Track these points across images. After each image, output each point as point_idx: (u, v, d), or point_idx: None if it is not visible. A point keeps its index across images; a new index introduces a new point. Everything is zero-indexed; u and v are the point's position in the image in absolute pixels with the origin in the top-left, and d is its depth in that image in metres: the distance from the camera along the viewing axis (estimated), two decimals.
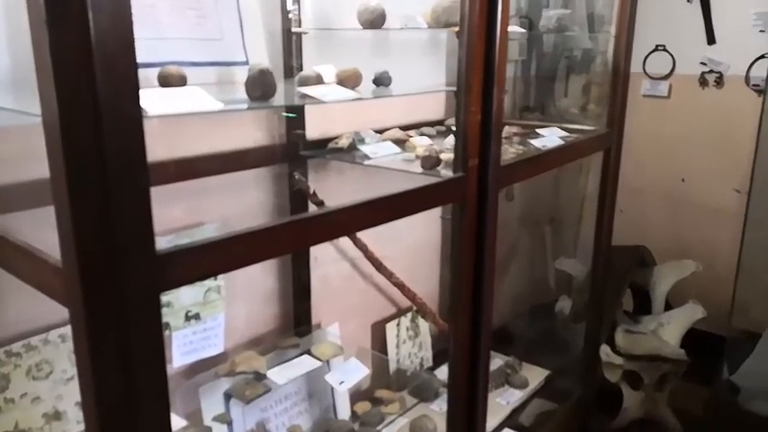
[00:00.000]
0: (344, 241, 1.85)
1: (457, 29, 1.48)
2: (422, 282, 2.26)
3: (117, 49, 0.66)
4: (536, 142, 1.69)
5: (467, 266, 1.33)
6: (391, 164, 1.56)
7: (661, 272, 2.59)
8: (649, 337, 2.38)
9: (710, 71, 2.62)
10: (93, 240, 0.69)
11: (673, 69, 2.70)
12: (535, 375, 2.21)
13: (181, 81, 1.05)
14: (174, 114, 0.84)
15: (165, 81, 1.05)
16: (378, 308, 2.17)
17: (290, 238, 0.93)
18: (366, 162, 1.54)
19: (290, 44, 1.56)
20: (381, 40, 1.93)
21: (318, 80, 1.16)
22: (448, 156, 1.45)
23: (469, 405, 1.44)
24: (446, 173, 1.44)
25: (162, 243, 1.43)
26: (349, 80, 1.22)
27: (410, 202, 1.16)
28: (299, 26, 1.58)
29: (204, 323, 1.54)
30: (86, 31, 0.63)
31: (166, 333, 1.46)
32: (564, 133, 1.89)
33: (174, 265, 0.78)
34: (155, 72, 1.09)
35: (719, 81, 2.60)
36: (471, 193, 1.28)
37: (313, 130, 1.70)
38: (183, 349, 1.51)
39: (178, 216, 1.47)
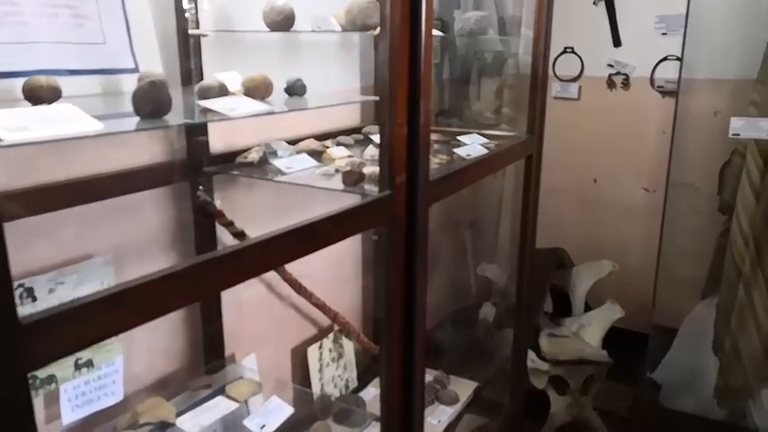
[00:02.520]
0: None
1: (375, 32, 1.37)
2: (342, 299, 2.13)
3: None
4: (459, 151, 1.61)
5: (398, 289, 1.21)
6: (308, 179, 1.42)
7: (579, 273, 2.60)
8: (573, 341, 2.38)
9: (617, 73, 2.66)
10: None
11: (581, 71, 2.72)
12: (464, 388, 2.13)
13: (52, 94, 0.87)
14: (36, 142, 0.66)
15: (33, 94, 0.86)
16: (296, 331, 2.02)
17: (196, 285, 0.78)
18: (280, 178, 1.39)
19: (188, 48, 1.38)
20: (289, 43, 1.78)
21: (222, 90, 1.00)
22: (371, 169, 1.33)
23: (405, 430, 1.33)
24: (370, 188, 1.32)
25: (41, 283, 1.22)
26: (258, 90, 1.07)
27: (337, 227, 1.03)
28: (197, 27, 1.40)
29: (99, 370, 1.34)
30: None
31: (52, 386, 1.26)
32: (484, 140, 1.82)
33: (44, 337, 0.61)
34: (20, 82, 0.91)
35: (626, 83, 2.65)
36: (399, 211, 1.17)
37: (217, 142, 1.53)
38: (74, 402, 1.30)
39: (59, 249, 1.25)
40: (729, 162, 2.40)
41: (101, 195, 1.29)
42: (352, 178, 1.28)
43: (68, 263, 1.25)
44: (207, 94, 0.98)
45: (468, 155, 1.60)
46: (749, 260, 1.96)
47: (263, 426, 1.33)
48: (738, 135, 1.83)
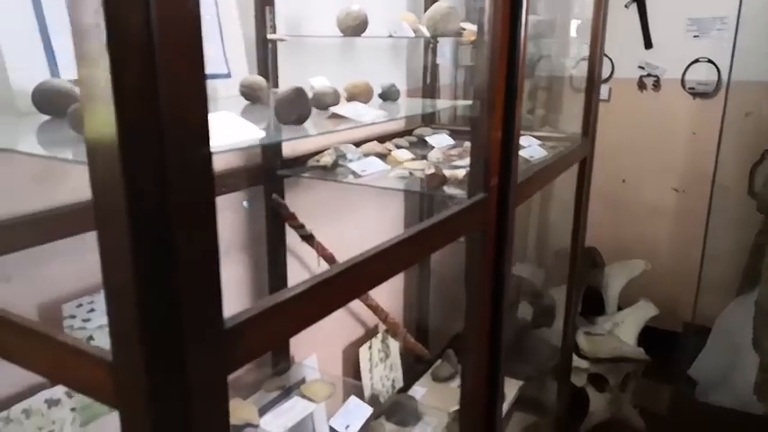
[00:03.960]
0: (311, 262, 1.69)
1: (469, 37, 1.39)
2: (386, 298, 2.15)
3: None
4: (523, 153, 1.63)
5: (486, 290, 1.23)
6: (382, 181, 1.44)
7: (612, 272, 2.64)
8: (609, 339, 2.42)
9: (648, 75, 2.70)
10: (153, 322, 0.53)
11: (612, 73, 2.76)
12: (509, 387, 2.16)
13: None
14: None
15: None
16: (346, 331, 2.04)
17: (343, 292, 0.80)
18: (357, 180, 1.41)
19: (266, 52, 1.40)
20: (342, 47, 1.79)
21: (336, 97, 1.01)
22: (450, 172, 1.36)
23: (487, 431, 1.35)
24: (452, 191, 1.35)
25: (100, 301, 1.23)
26: (361, 95, 1.09)
27: (442, 232, 1.05)
28: (275, 32, 1.41)
29: None
30: None
31: None
32: (538, 141, 1.85)
33: (247, 337, 0.62)
34: None
35: (657, 84, 2.69)
36: (491, 213, 1.19)
37: (286, 146, 1.54)
38: None
39: None
40: (761, 161, 2.45)
41: None
42: (436, 181, 1.30)
43: None
44: (323, 99, 0.99)
45: (531, 156, 1.63)
46: None
47: (348, 426, 1.35)
48: None
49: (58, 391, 1.08)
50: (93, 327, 1.12)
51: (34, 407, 1.05)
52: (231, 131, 0.70)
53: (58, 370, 0.61)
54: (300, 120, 0.83)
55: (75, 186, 1.08)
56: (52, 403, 1.07)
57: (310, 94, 1.10)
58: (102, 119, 0.48)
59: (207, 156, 0.55)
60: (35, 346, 0.62)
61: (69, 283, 1.13)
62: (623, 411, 2.35)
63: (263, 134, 0.73)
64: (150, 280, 0.52)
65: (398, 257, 0.93)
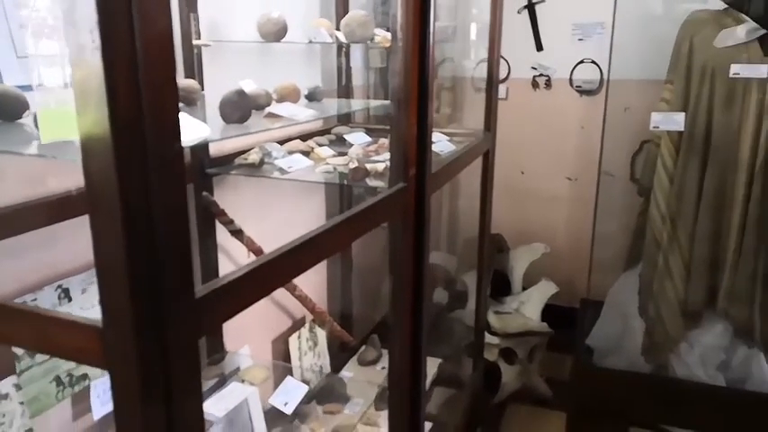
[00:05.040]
0: (241, 256, 1.77)
1: (376, 42, 1.52)
2: (311, 290, 2.26)
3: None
4: (433, 148, 1.79)
5: (408, 269, 1.38)
6: (309, 177, 1.56)
7: (516, 256, 2.87)
8: (517, 316, 2.64)
9: (540, 75, 2.96)
10: (141, 291, 0.63)
11: (508, 74, 3.00)
12: (430, 365, 2.32)
13: None
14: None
15: None
16: (275, 323, 2.13)
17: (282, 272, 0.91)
18: (285, 176, 1.51)
19: (192, 58, 1.47)
20: (261, 52, 1.89)
21: (269, 98, 1.12)
22: (371, 166, 1.49)
23: (412, 405, 1.50)
24: (374, 183, 1.48)
25: (75, 283, 1.28)
26: (290, 96, 1.20)
27: (366, 219, 1.17)
28: (200, 38, 1.49)
29: None
30: None
31: (86, 383, 1.32)
32: (446, 137, 2.02)
33: (212, 306, 0.72)
34: None
35: (548, 83, 2.96)
36: (410, 201, 1.34)
37: (213, 145, 1.62)
38: (102, 398, 1.36)
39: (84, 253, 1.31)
40: (640, 151, 2.76)
41: None
42: (360, 174, 1.43)
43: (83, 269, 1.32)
44: (257, 100, 1.09)
45: (441, 150, 1.79)
46: (666, 234, 2.30)
47: (286, 403, 1.45)
48: (658, 127, 2.15)
49: (7, 384, 1.12)
50: None
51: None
52: (187, 129, 0.79)
53: (50, 342, 0.69)
54: (243, 119, 0.93)
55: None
56: (1, 397, 1.11)
57: None
58: (96, 119, 0.57)
59: (179, 149, 0.65)
60: (25, 323, 0.69)
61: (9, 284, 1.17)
62: (532, 380, 2.58)
63: (209, 131, 0.83)
64: (137, 257, 0.62)
65: (337, 237, 1.05)
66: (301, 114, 1.06)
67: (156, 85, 0.61)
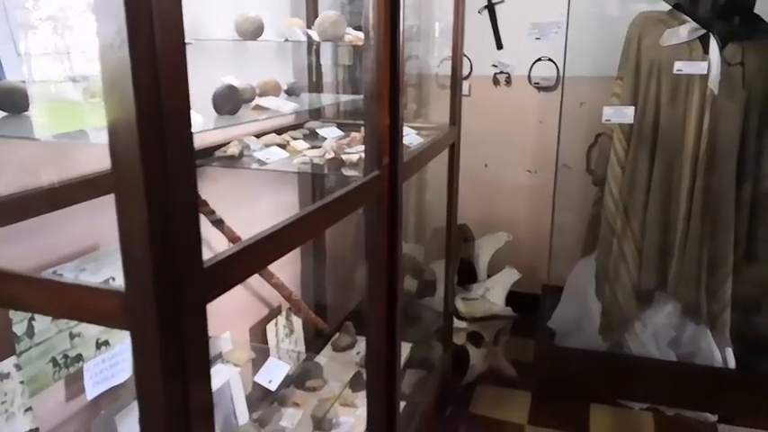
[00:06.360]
0: (220, 246, 1.85)
1: (347, 41, 1.62)
2: (286, 278, 2.34)
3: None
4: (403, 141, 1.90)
5: (382, 253, 1.48)
6: (287, 168, 1.64)
7: (481, 245, 3.01)
8: (483, 301, 2.77)
9: (501, 72, 3.10)
10: (160, 260, 0.71)
11: (471, 71, 3.13)
12: (402, 349, 2.43)
13: None
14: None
15: None
16: (252, 311, 2.21)
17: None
18: (264, 167, 1.60)
19: None
20: (238, 49, 1.96)
21: (253, 93, 1.20)
22: (346, 157, 1.59)
23: (389, 384, 1.60)
24: (349, 172, 1.58)
25: (68, 269, 1.35)
26: (271, 91, 1.28)
27: (343, 205, 1.27)
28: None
29: (113, 349, 1.47)
30: None
31: (80, 364, 1.38)
32: (414, 131, 2.13)
33: (216, 275, 0.82)
34: None
35: (509, 80, 3.10)
36: (384, 188, 1.44)
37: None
38: (95, 379, 1.43)
39: (75, 240, 1.38)
40: (595, 143, 2.92)
41: (103, 191, 1.42)
42: (335, 164, 1.52)
43: (82, 253, 1.38)
44: (243, 95, 1.18)
45: (410, 143, 1.90)
46: (620, 220, 2.46)
47: (270, 380, 1.54)
48: (609, 120, 2.31)
49: (8, 364, 1.18)
50: None
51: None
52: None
53: (76, 308, 0.77)
54: (234, 110, 1.02)
55: None
56: (3, 376, 1.17)
57: None
58: (123, 109, 0.66)
59: (190, 135, 0.74)
60: (54, 293, 0.77)
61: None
62: (498, 362, 2.72)
63: (202, 120, 0.92)
64: (156, 230, 0.70)
65: (321, 219, 1.15)
66: (285, 107, 1.15)
67: (172, 80, 0.70)
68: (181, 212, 0.74)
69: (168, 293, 0.73)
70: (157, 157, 0.69)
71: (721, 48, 2.22)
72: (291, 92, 1.43)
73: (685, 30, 2.25)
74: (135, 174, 0.67)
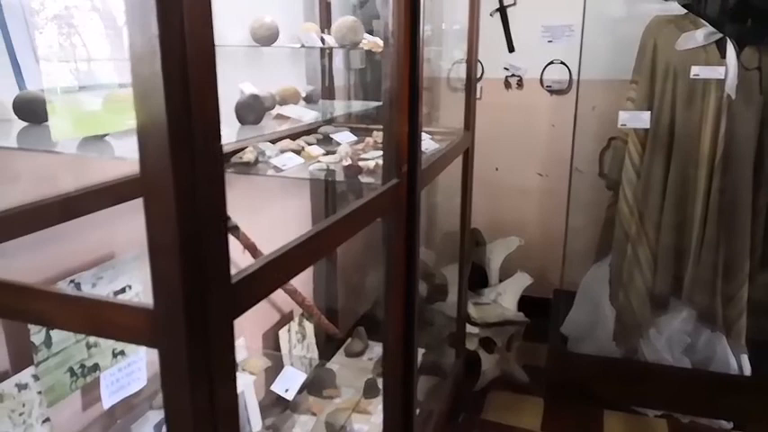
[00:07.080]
0: (235, 252, 1.84)
1: (364, 47, 1.61)
2: (299, 285, 2.33)
3: None
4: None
5: (400, 259, 1.47)
6: (305, 174, 1.63)
7: (492, 249, 2.99)
8: (495, 306, 2.75)
9: (512, 75, 3.08)
10: (190, 277, 0.70)
11: (482, 74, 3.11)
12: None
13: None
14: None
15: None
16: (266, 317, 2.20)
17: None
18: (280, 174, 1.59)
19: None
20: (252, 54, 1.95)
21: (274, 101, 1.19)
22: (363, 164, 1.57)
23: (405, 391, 1.59)
24: (366, 180, 1.56)
25: (85, 278, 1.34)
26: (291, 98, 1.27)
27: (366, 214, 1.26)
28: None
29: (128, 358, 1.46)
30: None
31: (97, 374, 1.37)
32: (429, 135, 2.11)
33: (243, 291, 0.80)
34: None
35: (520, 84, 3.08)
36: (403, 196, 1.42)
37: None
38: (111, 388, 1.42)
39: (94, 248, 1.37)
40: (608, 147, 2.90)
41: (117, 200, 1.41)
42: (353, 171, 1.51)
43: (98, 261, 1.37)
44: (265, 103, 1.16)
45: (426, 149, 1.88)
46: (634, 225, 2.44)
47: (287, 389, 1.52)
48: (625, 125, 2.29)
49: (26, 375, 1.17)
50: None
51: (6, 391, 1.13)
52: None
53: (103, 324, 0.75)
54: (257, 120, 1.01)
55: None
56: (21, 387, 1.16)
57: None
58: (154, 115, 0.65)
59: (220, 148, 0.72)
60: (77, 309, 0.76)
61: (29, 278, 1.22)
62: (510, 368, 2.70)
63: (227, 131, 0.90)
64: (187, 246, 0.69)
65: (343, 229, 1.14)
66: (306, 116, 1.14)
67: (203, 93, 0.68)
68: (210, 226, 0.72)
69: (198, 310, 0.71)
70: (188, 171, 0.68)
71: (738, 52, 2.20)
72: (310, 99, 1.42)
73: (702, 34, 2.23)
74: (166, 188, 0.66)
